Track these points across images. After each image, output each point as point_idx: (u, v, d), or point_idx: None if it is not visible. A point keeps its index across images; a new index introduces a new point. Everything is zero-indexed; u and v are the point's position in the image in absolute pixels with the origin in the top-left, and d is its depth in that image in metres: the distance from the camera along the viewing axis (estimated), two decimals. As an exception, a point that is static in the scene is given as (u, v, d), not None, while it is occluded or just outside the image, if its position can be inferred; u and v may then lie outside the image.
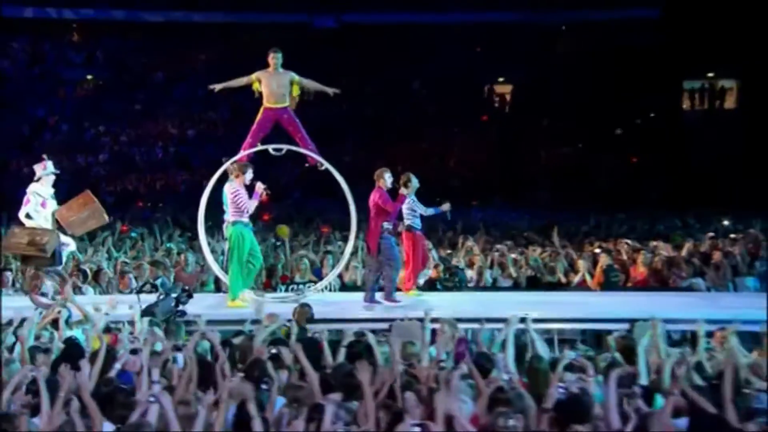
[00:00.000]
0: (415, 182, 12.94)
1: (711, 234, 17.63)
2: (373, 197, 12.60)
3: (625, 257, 16.20)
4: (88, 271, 15.23)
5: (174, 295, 11.23)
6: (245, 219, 12.61)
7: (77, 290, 13.77)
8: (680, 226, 21.35)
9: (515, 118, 33.96)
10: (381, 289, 12.71)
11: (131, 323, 10.13)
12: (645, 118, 32.15)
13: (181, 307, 10.93)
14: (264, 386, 7.03)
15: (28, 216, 12.07)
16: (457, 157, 30.67)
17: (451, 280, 14.63)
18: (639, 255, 15.48)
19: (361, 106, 32.28)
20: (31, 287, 12.26)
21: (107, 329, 9.75)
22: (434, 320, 9.70)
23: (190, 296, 11.19)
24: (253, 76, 13.31)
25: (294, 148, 13.28)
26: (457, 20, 34.55)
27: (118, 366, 7.75)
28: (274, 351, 8.26)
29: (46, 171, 12.28)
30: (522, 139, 31.86)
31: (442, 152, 30.83)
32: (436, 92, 33.47)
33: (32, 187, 12.20)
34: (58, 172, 12.58)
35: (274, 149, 13.33)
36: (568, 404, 6.51)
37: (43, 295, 12.90)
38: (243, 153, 13.19)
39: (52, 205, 12.20)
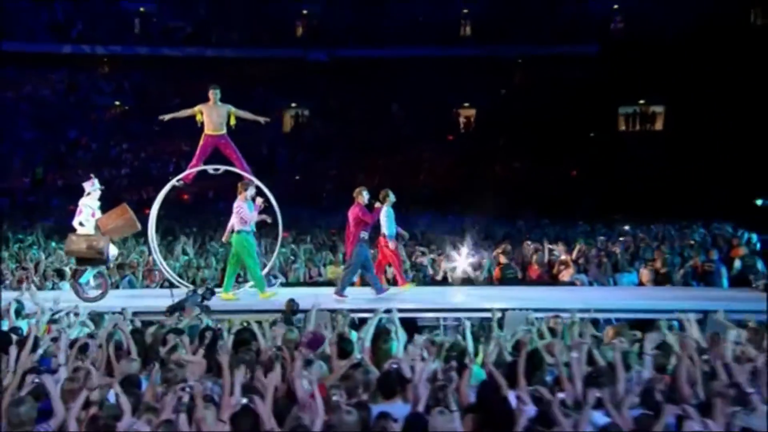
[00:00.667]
0: (392, 197, 13.12)
1: (601, 237, 18.44)
2: (353, 211, 12.81)
3: (526, 257, 16.56)
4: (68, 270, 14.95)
5: (200, 292, 11.42)
6: (248, 228, 12.77)
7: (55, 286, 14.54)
8: (589, 231, 21.79)
9: (477, 137, 34.21)
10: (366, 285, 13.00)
11: (76, 314, 10.29)
12: (585, 138, 32.10)
13: (205, 302, 11.14)
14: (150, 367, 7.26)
15: (81, 224, 12.49)
16: (426, 170, 30.96)
17: (417, 276, 15.07)
18: (536, 255, 15.86)
19: (347, 126, 32.89)
20: (74, 283, 12.66)
21: (51, 320, 10.09)
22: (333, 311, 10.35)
23: (212, 293, 11.50)
24: (196, 108, 13.61)
25: (231, 168, 13.51)
26: (429, 54, 34.67)
27: (40, 352, 7.97)
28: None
29: (93, 187, 12.63)
30: (482, 155, 31.89)
31: (415, 165, 31.11)
32: (411, 115, 33.87)
33: (84, 201, 12.58)
34: (103, 188, 12.94)
35: (213, 169, 13.57)
36: (383, 377, 6.92)
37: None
38: (188, 172, 13.62)
39: (98, 214, 12.61)
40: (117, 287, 14.60)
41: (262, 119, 14.27)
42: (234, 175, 13.48)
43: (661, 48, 30.90)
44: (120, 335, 8.59)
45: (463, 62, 34.39)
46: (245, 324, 9.49)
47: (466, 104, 35.54)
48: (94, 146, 32.84)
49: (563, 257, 16.14)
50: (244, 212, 12.55)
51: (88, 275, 12.62)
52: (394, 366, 7.21)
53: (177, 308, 10.53)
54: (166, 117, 14.46)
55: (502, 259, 15.59)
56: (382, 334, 8.51)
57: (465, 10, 35.75)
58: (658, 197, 26.24)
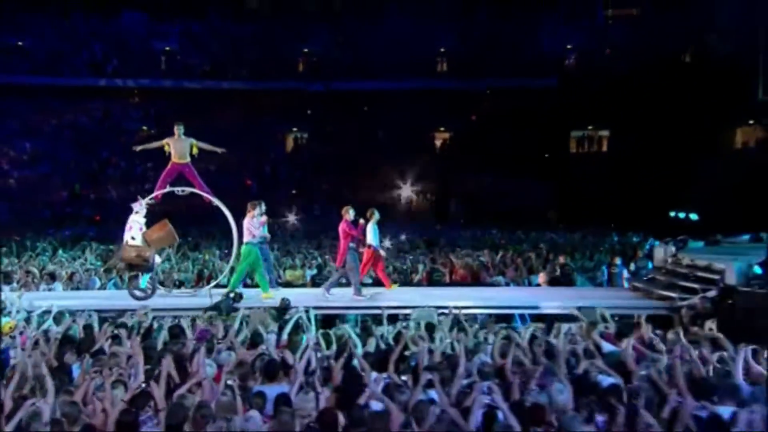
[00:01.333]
0: (377, 215, 13.46)
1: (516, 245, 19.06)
2: (342, 226, 13.01)
3: (453, 261, 16.82)
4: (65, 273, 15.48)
5: (231, 296, 11.81)
6: (255, 240, 12.93)
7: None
8: (524, 239, 22.07)
9: (450, 157, 34.28)
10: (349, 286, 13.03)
11: (48, 312, 10.48)
12: (542, 158, 32.33)
13: (235, 305, 11.42)
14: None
15: (132, 238, 12.72)
16: (404, 188, 30.86)
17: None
18: (461, 261, 16.45)
19: (339, 148, 33.05)
20: (130, 286, 12.88)
21: (26, 319, 10.38)
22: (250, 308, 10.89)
23: (241, 297, 11.71)
24: (164, 141, 13.78)
25: (194, 190, 13.77)
26: (410, 86, 34.61)
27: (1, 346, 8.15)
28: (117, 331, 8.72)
29: (140, 207, 12.82)
30: (454, 171, 32.16)
31: (397, 182, 31.16)
32: (394, 138, 33.72)
33: (133, 218, 12.75)
34: (149, 205, 13.09)
35: (180, 190, 13.83)
36: (267, 364, 7.18)
37: None
38: (156, 193, 13.62)
39: (145, 229, 12.81)
40: (104, 288, 14.97)
41: (219, 149, 14.61)
42: (196, 195, 13.86)
43: (607, 82, 31.15)
44: (76, 330, 9.03)
45: (439, 93, 34.65)
46: (177, 320, 10.00)
47: (442, 128, 35.82)
48: (123, 165, 32.99)
49: (486, 261, 16.71)
50: (252, 226, 12.87)
51: (144, 280, 12.87)
52: (280, 354, 7.74)
53: (214, 309, 11.08)
54: (139, 148, 14.89)
55: (428, 264, 16.42)
56: (296, 329, 9.19)
57: (441, 49, 35.94)
58: (601, 209, 26.41)
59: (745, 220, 17.84)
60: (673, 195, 24.67)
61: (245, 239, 13.08)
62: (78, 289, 14.62)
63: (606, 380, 7.06)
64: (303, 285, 14.97)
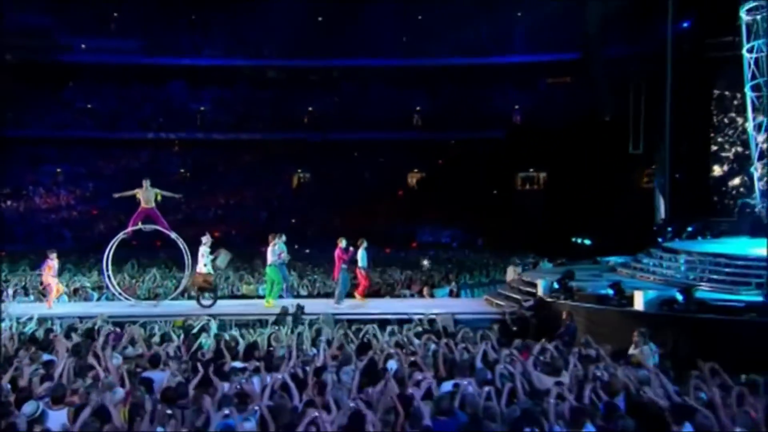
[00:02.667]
0: (365, 243, 13.92)
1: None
2: (337, 252, 13.66)
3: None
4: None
5: (297, 307, 11.99)
6: (277, 262, 13.39)
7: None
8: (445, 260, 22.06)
9: (421, 193, 34.62)
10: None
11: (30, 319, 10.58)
12: (492, 194, 32.28)
13: (300, 313, 11.72)
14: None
15: (204, 266, 13.28)
16: (383, 218, 30.80)
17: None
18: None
19: (332, 186, 33.16)
20: (198, 299, 13.32)
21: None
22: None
23: (303, 309, 11.92)
24: (136, 190, 14.50)
25: (158, 227, 14.42)
26: (391, 137, 34.17)
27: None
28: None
29: (207, 240, 13.42)
30: (423, 207, 32.12)
31: (374, 215, 30.77)
32: (376, 177, 34.01)
33: (202, 251, 13.26)
34: (212, 240, 13.65)
35: (146, 228, 14.35)
36: (152, 356, 7.38)
37: None
38: (129, 229, 14.35)
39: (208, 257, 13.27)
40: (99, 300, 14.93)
41: (177, 195, 15.41)
42: (158, 231, 14.53)
43: (545, 134, 30.82)
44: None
45: (414, 142, 34.87)
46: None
47: (416, 170, 35.87)
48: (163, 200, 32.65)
49: (397, 279, 17.34)
50: (275, 253, 13.35)
51: (207, 296, 13.33)
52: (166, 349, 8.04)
53: (283, 316, 11.45)
54: (116, 195, 15.43)
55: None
56: (200, 332, 9.65)
57: (417, 108, 35.73)
58: (531, 234, 26.16)
59: (621, 246, 17.97)
60: (578, 224, 24.58)
61: (268, 262, 13.55)
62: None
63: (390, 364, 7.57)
64: (257, 297, 15.12)
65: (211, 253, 13.61)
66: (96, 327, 9.28)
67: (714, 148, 20.62)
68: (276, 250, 13.47)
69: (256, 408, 5.90)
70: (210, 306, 13.07)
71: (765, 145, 17.18)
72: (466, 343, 8.56)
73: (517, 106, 35.25)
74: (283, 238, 13.74)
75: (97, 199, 31.22)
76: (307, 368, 7.13)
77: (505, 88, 35.13)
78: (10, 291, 15.02)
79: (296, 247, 27.08)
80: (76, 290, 15.20)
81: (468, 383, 6.70)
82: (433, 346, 8.23)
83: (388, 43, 33.97)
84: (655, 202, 21.53)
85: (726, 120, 20.32)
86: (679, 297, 10.27)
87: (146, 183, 14.39)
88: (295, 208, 32.16)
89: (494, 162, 32.75)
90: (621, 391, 6.65)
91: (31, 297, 14.62)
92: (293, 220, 30.17)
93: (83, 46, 34.32)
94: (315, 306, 12.81)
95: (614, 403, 6.31)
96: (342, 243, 13.70)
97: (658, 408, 6.12)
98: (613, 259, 16.05)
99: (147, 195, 14.25)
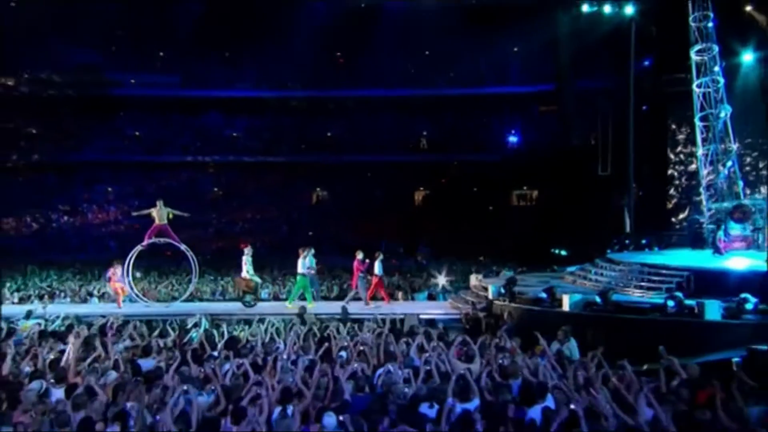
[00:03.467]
0: (381, 256, 14.26)
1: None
2: (355, 263, 14.07)
3: None
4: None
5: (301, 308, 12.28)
6: (306, 274, 13.73)
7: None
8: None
9: (426, 209, 34.67)
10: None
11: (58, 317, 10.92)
12: (488, 210, 32.53)
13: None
14: None
15: (247, 272, 13.84)
16: (394, 231, 30.35)
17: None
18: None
19: (347, 203, 33.37)
20: (242, 300, 13.71)
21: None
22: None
23: (305, 310, 12.16)
24: (151, 210, 14.82)
25: (170, 240, 14.65)
26: (400, 159, 34.46)
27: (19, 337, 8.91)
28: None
29: (249, 250, 14.02)
30: (426, 222, 32.05)
31: (383, 228, 30.33)
32: (387, 195, 33.64)
33: (245, 259, 13.78)
34: (252, 250, 14.17)
35: (160, 241, 14.67)
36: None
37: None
38: (145, 242, 14.51)
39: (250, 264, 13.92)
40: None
41: (186, 214, 15.69)
42: (170, 243, 14.85)
43: (536, 155, 31.08)
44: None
45: (420, 164, 35.04)
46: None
47: (421, 188, 35.89)
48: (199, 218, 30.73)
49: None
50: (304, 265, 13.76)
51: (249, 298, 13.78)
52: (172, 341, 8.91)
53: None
54: (135, 213, 15.81)
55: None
56: (193, 327, 10.29)
57: (424, 133, 36.04)
58: (525, 246, 25.70)
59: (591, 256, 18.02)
60: (559, 236, 24.81)
61: (298, 272, 13.93)
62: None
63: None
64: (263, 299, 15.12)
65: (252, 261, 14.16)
66: (108, 323, 9.99)
67: (670, 171, 21.10)
68: (306, 262, 13.85)
69: (213, 387, 6.67)
70: (252, 306, 13.48)
71: (711, 167, 17.74)
72: (407, 338, 9.17)
73: (512, 131, 35.30)
74: (312, 251, 14.14)
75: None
76: (269, 357, 7.96)
77: (502, 115, 35.19)
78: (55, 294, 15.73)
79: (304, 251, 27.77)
80: (102, 294, 15.87)
81: (393, 368, 7.45)
82: (372, 338, 8.89)
83: (396, 76, 34.38)
84: (624, 217, 21.99)
85: (680, 146, 20.82)
86: (598, 300, 10.91)
87: (159, 203, 14.92)
88: (313, 222, 32.31)
89: (491, 181, 32.96)
90: (517, 374, 7.28)
91: (68, 299, 15.22)
92: (310, 233, 30.38)
93: (132, 81, 34.70)
94: (331, 308, 13.31)
95: (506, 383, 7.00)
96: (359, 255, 14.12)
97: (537, 385, 6.64)
98: (568, 268, 16.45)
99: (160, 213, 14.74)
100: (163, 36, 32.59)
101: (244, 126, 36.22)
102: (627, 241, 18.40)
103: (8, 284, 16.52)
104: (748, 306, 9.89)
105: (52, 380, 6.73)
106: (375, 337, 9.13)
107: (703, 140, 17.66)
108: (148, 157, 34.52)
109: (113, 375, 7.08)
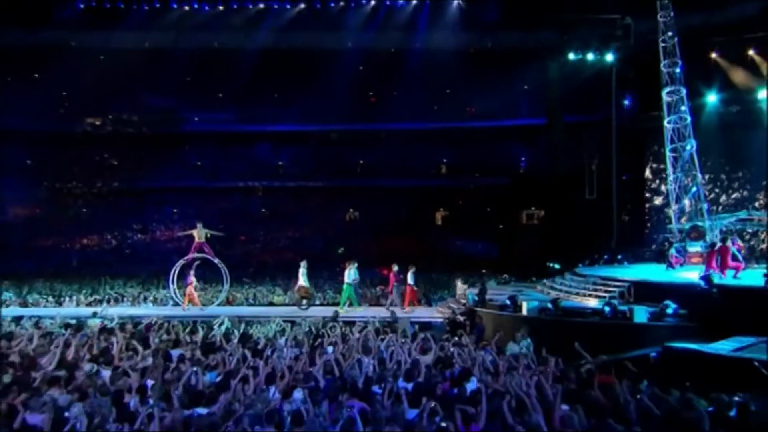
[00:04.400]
0: (413, 269, 15.21)
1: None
2: (390, 275, 15.38)
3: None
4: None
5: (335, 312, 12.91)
6: (351, 283, 14.73)
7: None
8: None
9: (445, 227, 34.84)
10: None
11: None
12: (498, 228, 32.36)
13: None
14: None
15: (304, 280, 14.87)
16: (415, 246, 30.37)
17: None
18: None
19: (378, 222, 33.67)
20: (300, 305, 14.34)
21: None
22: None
23: (337, 314, 12.68)
24: (192, 230, 15.83)
25: (206, 256, 15.30)
26: (422, 183, 34.53)
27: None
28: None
29: (305, 264, 15.03)
30: (444, 239, 33.01)
31: (409, 244, 30.58)
32: (411, 216, 34.01)
33: (301, 271, 14.72)
34: (307, 262, 14.85)
35: (198, 256, 15.31)
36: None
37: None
38: (189, 256, 15.28)
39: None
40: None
41: (221, 234, 16.64)
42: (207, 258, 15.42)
43: (542, 179, 31.18)
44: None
45: (440, 187, 35.35)
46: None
47: (441, 209, 35.99)
48: (248, 235, 33.80)
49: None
50: (349, 274, 14.73)
51: (304, 302, 14.49)
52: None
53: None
54: (180, 233, 16.75)
55: None
56: (219, 326, 11.36)
57: (444, 160, 36.54)
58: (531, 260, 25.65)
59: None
60: (558, 252, 24.77)
61: (345, 282, 14.77)
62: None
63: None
64: (283, 305, 16.67)
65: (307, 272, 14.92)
66: (152, 322, 11.27)
67: (647, 194, 21.52)
68: (351, 274, 14.71)
69: (219, 371, 7.97)
70: (305, 309, 14.25)
71: (678, 192, 18.28)
72: (386, 336, 10.22)
73: (522, 158, 35.63)
74: (356, 264, 14.93)
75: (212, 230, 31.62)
76: (268, 349, 9.17)
77: (512, 145, 35.32)
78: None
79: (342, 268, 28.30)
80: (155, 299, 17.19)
81: (363, 359, 8.56)
82: (356, 336, 9.93)
83: (420, 111, 34.64)
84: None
85: (655, 173, 21.23)
86: (550, 306, 11.70)
87: (199, 225, 16.22)
88: (346, 239, 32.86)
89: (503, 202, 32.97)
90: (452, 363, 8.30)
91: (128, 303, 16.56)
92: (342, 248, 31.10)
93: (196, 119, 35.87)
94: (367, 312, 14.02)
95: (443, 370, 8.04)
96: (395, 268, 15.13)
97: (463, 371, 7.69)
98: (544, 280, 17.08)
99: (200, 233, 16.08)
100: (222, 81, 33.58)
101: (289, 155, 36.79)
102: (606, 257, 18.91)
103: (83, 290, 17.90)
104: (669, 311, 10.58)
105: (103, 364, 8.01)
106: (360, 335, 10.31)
107: (673, 169, 18.27)
108: (207, 182, 35.23)
109: (149, 360, 8.40)
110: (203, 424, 5.64)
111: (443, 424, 5.72)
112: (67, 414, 5.91)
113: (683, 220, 17.70)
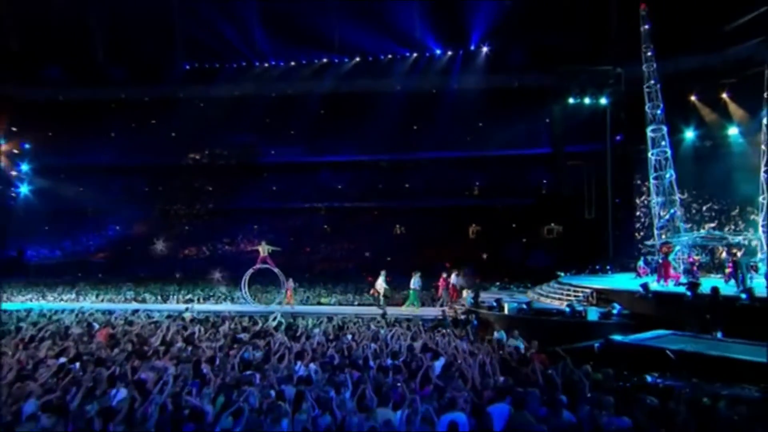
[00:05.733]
0: (456, 272, 16.47)
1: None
2: (441, 279, 16.34)
3: None
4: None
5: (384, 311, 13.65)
6: (416, 289, 15.51)
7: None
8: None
9: (478, 240, 34.74)
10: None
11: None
12: (521, 241, 32.92)
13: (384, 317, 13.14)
14: None
15: (383, 287, 15.33)
16: (451, 256, 30.13)
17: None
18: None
19: (419, 236, 34.07)
20: (379, 305, 14.63)
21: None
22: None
23: (386, 313, 13.49)
24: (258, 246, 16.88)
25: (269, 266, 16.42)
26: (457, 204, 34.65)
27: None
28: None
29: (383, 273, 15.17)
30: (478, 248, 32.79)
31: (448, 254, 30.57)
32: (448, 230, 34.40)
33: (379, 281, 15.33)
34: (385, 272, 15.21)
35: (262, 267, 16.28)
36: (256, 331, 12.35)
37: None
38: (257, 266, 16.21)
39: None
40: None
41: (279, 248, 17.77)
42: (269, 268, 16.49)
43: (562, 201, 31.83)
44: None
45: (473, 206, 35.60)
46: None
47: (474, 225, 36.27)
48: (312, 248, 34.64)
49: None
50: (413, 282, 15.61)
51: (384, 303, 15.12)
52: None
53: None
54: (249, 248, 17.73)
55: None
56: (273, 320, 12.76)
57: (476, 183, 37.00)
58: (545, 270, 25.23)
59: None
60: (567, 262, 24.87)
61: (411, 287, 15.64)
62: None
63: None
64: (329, 305, 17.81)
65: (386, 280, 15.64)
66: (227, 315, 13.16)
67: (637, 213, 22.07)
68: (415, 281, 15.77)
69: (265, 349, 9.93)
70: (382, 308, 15.00)
71: (660, 212, 19.00)
72: (393, 328, 11.78)
73: (544, 181, 35.71)
74: (420, 273, 15.86)
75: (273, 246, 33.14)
76: (304, 336, 11.02)
77: (536, 170, 35.42)
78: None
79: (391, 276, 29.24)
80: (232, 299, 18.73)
81: (370, 344, 10.23)
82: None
83: (456, 142, 35.33)
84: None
85: (643, 196, 21.77)
86: (525, 307, 12.89)
87: (264, 242, 17.97)
88: (392, 250, 33.67)
89: (527, 219, 33.70)
90: (429, 347, 9.77)
91: (212, 301, 18.33)
92: (389, 258, 32.09)
93: (272, 152, 37.49)
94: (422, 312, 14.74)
95: (424, 352, 9.58)
96: (444, 274, 16.13)
97: (435, 352, 9.16)
98: (533, 287, 18.06)
99: (263, 248, 17.68)
100: (293, 121, 35.63)
101: (347, 181, 37.69)
102: (598, 267, 19.69)
103: (182, 290, 20.17)
104: (614, 311, 11.62)
105: (189, 343, 9.97)
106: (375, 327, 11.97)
107: (656, 193, 19.06)
108: (281, 204, 36.65)
109: (221, 341, 10.38)
110: (246, 381, 7.58)
111: (399, 384, 7.34)
112: (165, 374, 7.95)
113: (664, 236, 18.36)
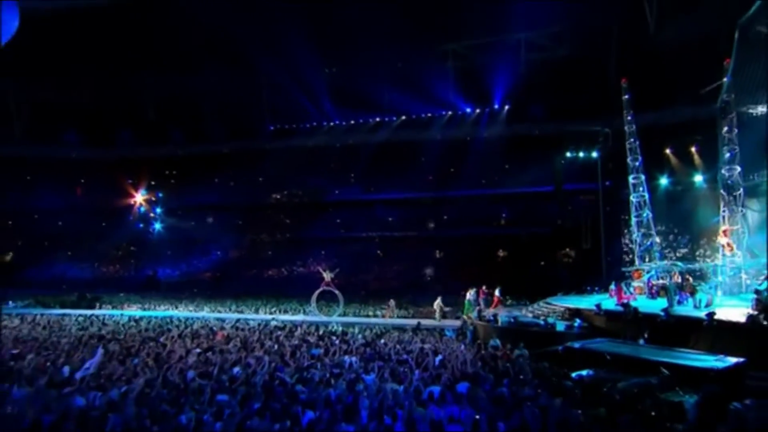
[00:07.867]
0: (500, 288, 17.51)
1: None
2: (481, 292, 17.25)
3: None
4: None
5: (418, 323, 14.06)
6: (471, 300, 16.41)
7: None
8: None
9: (506, 263, 33.33)
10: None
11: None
12: (540, 264, 32.17)
13: (418, 328, 13.70)
14: None
15: (437, 304, 15.79)
16: (482, 275, 27.12)
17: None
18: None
19: (458, 259, 33.63)
20: (438, 318, 15.21)
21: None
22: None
23: (420, 324, 14.05)
24: (323, 272, 17.66)
25: (331, 289, 17.08)
26: (484, 232, 34.69)
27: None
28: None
29: (440, 299, 15.75)
30: (502, 272, 31.21)
31: (476, 274, 27.66)
32: (479, 253, 33.85)
33: (438, 303, 15.49)
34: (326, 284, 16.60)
35: (326, 288, 16.70)
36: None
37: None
38: (321, 288, 16.75)
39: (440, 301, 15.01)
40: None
41: (337, 270, 18.63)
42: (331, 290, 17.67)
43: (573, 231, 32.14)
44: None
45: (500, 235, 35.66)
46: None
47: (501, 250, 36.27)
48: (366, 269, 34.38)
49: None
50: (471, 298, 16.47)
51: (439, 317, 15.47)
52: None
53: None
54: (326, 277, 19.26)
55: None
56: (330, 328, 15.34)
57: (503, 215, 37.49)
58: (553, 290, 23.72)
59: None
60: (571, 283, 24.98)
61: (467, 299, 16.34)
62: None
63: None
64: (374, 316, 19.43)
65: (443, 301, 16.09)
66: (300, 323, 15.13)
67: (625, 243, 23.35)
68: (471, 295, 17.20)
69: (321, 349, 12.62)
70: (440, 320, 16.43)
71: (640, 244, 20.55)
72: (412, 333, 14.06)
73: (559, 220, 35.81)
74: (474, 290, 16.97)
75: (334, 269, 27.42)
76: (348, 339, 13.59)
77: (553, 204, 35.77)
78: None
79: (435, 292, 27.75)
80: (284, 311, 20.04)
81: (395, 346, 12.85)
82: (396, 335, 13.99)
83: (486, 180, 36.19)
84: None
85: (628, 232, 23.08)
86: (512, 320, 14.90)
87: (327, 269, 20.30)
88: (434, 271, 34.57)
89: (545, 246, 34.18)
90: (438, 353, 12.30)
91: (290, 313, 20.14)
92: (429, 278, 33.55)
93: (336, 191, 39.15)
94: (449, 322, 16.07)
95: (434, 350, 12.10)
96: (484, 288, 17.30)
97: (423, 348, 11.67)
98: (530, 305, 19.49)
99: (327, 275, 20.02)
100: (353, 166, 38.09)
101: (396, 214, 38.48)
102: (588, 288, 21.20)
103: (268, 304, 22.74)
104: (576, 324, 13.49)
105: (274, 342, 12.80)
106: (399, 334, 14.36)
107: (637, 229, 20.72)
108: (342, 234, 38.01)
109: (295, 342, 13.21)
110: (311, 366, 10.38)
111: (406, 370, 9.90)
112: (263, 361, 10.63)
113: (639, 263, 19.80)
